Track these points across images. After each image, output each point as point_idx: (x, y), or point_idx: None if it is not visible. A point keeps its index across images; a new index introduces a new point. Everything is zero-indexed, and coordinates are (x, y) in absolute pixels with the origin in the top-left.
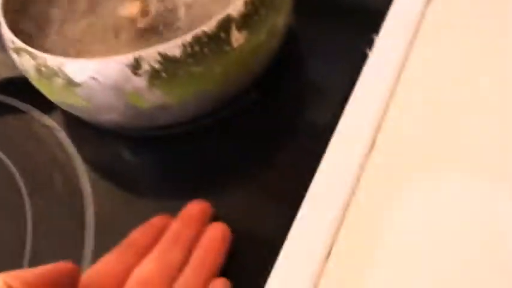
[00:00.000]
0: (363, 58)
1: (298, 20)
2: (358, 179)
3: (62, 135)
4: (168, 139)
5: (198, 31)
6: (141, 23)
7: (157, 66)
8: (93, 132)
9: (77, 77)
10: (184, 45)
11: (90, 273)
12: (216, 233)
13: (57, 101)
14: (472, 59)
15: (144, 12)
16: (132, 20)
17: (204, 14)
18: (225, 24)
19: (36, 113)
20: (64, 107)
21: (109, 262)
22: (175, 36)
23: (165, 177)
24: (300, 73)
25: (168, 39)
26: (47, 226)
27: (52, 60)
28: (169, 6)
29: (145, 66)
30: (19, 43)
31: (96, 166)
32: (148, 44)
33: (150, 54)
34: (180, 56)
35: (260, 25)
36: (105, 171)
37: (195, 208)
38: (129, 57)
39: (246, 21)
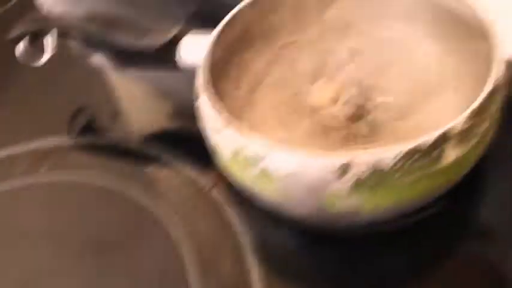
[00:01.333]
0: None
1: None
2: None
3: (232, 212)
4: (347, 239)
5: (412, 145)
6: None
7: (364, 175)
8: (267, 219)
9: (278, 170)
10: (395, 158)
11: None
12: None
13: (242, 186)
14: None
15: (338, 100)
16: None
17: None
18: (442, 141)
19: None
20: (246, 193)
21: None
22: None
23: (341, 279)
24: (494, 182)
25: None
26: None
27: (255, 149)
28: (364, 95)
29: (351, 173)
30: (223, 123)
31: (267, 256)
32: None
33: (360, 162)
34: (390, 168)
35: (474, 141)
36: (276, 263)
37: None
38: (338, 161)
39: (462, 138)
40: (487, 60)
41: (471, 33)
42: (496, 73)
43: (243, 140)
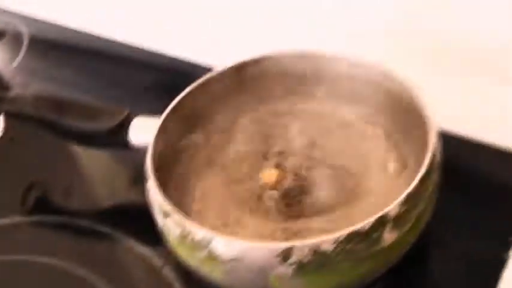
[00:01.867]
0: (501, 264)
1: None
2: None
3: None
4: None
5: (353, 229)
6: (279, 192)
7: (306, 259)
8: None
9: (223, 255)
10: (337, 242)
11: None
12: None
13: (191, 267)
14: None
15: (279, 183)
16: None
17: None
18: (381, 224)
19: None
20: (196, 273)
21: None
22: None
23: None
24: (431, 263)
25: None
26: None
27: (201, 234)
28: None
29: (294, 257)
30: (169, 208)
31: None
32: (289, 215)
33: (302, 247)
34: (331, 252)
35: (411, 221)
36: None
37: None
38: (280, 247)
39: (400, 220)
40: (422, 140)
41: (408, 114)
42: (430, 155)
43: (189, 226)
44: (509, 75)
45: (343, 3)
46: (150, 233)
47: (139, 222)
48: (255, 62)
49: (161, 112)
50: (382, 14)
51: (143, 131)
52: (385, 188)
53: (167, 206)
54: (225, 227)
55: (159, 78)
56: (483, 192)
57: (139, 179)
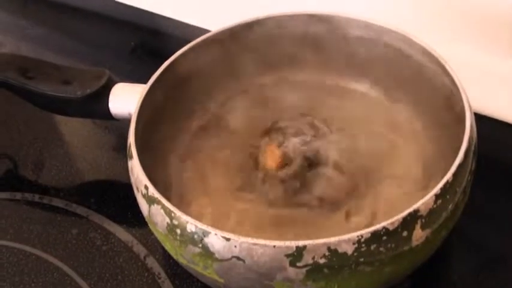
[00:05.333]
0: None
1: None
2: None
3: (169, 284)
4: None
5: (378, 227)
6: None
7: (322, 260)
8: None
9: (220, 253)
10: (359, 242)
11: None
12: None
13: (180, 262)
14: None
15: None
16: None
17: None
18: (411, 222)
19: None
20: (186, 268)
21: None
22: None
23: None
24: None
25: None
26: None
27: (194, 227)
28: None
29: (307, 259)
30: (156, 193)
31: None
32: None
33: (318, 246)
34: (352, 253)
35: (444, 220)
36: None
37: None
38: (291, 246)
39: (432, 218)
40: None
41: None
42: (466, 140)
43: (178, 216)
44: None
45: None
46: (134, 217)
47: (121, 203)
48: (254, 24)
49: (147, 79)
50: None
51: (126, 99)
52: (408, 171)
53: (153, 191)
54: (221, 222)
55: (145, 39)
56: None
57: (122, 153)
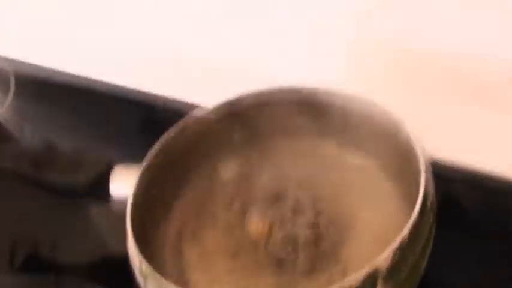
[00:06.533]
0: None
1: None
2: None
3: None
4: None
5: (344, 284)
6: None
7: None
8: None
9: None
10: None
11: None
12: None
13: None
14: None
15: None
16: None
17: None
18: (371, 279)
19: None
20: None
21: None
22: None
23: None
24: None
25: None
26: None
27: None
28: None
29: None
30: (148, 269)
31: None
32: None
33: None
34: None
35: (405, 274)
36: None
37: None
38: None
39: (392, 274)
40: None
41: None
42: (421, 196)
43: None
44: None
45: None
46: None
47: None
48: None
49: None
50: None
51: (124, 180)
52: (383, 230)
53: (146, 267)
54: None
55: (145, 118)
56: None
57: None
